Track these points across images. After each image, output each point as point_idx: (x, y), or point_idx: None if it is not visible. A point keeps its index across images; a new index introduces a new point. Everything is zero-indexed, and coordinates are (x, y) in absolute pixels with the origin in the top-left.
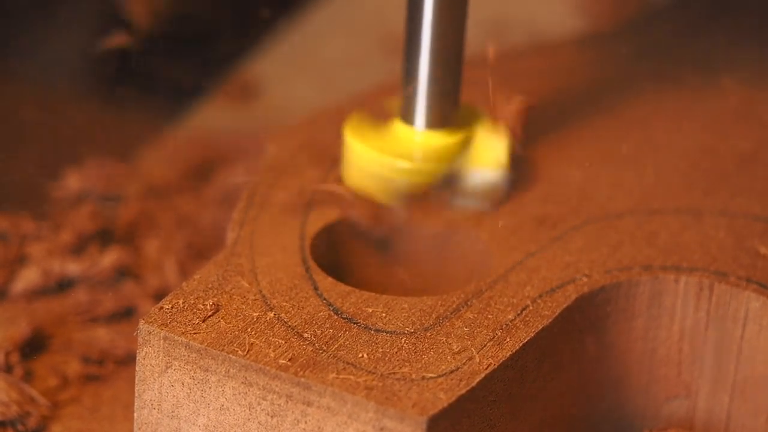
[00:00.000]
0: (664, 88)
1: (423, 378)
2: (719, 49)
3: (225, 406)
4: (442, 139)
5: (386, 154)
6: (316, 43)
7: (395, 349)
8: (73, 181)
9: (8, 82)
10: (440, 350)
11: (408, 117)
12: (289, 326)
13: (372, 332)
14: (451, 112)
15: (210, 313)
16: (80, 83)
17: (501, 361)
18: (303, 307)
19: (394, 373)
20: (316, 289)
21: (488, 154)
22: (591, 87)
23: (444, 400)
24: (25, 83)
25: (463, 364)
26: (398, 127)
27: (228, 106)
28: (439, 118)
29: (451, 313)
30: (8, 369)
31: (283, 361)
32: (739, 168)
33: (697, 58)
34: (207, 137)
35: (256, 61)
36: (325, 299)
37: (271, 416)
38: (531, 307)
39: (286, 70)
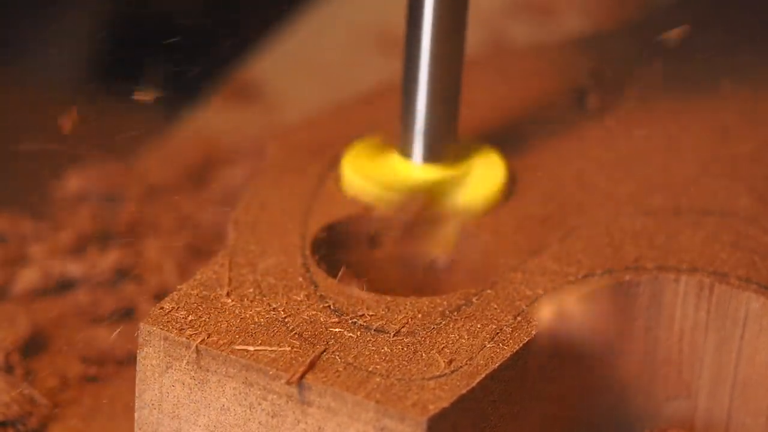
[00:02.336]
0: (664, 88)
1: (423, 378)
2: (719, 49)
3: (225, 406)
4: (439, 173)
5: (383, 188)
6: (316, 43)
7: (396, 349)
8: (73, 182)
9: (8, 83)
10: (441, 350)
11: (406, 151)
12: (290, 326)
13: (372, 332)
14: (449, 145)
15: (210, 314)
16: (80, 83)
17: (501, 361)
18: (304, 308)
19: (394, 373)
20: (316, 289)
21: (483, 186)
22: (590, 87)
23: (444, 400)
24: (26, 84)
25: (464, 364)
26: (396, 160)
27: (228, 106)
28: (437, 152)
29: (452, 314)
30: (8, 369)
31: (284, 362)
32: (739, 168)
33: (697, 57)
34: (207, 137)
35: (256, 61)
36: (325, 299)
37: (272, 416)
38: (531, 308)
39: (286, 70)
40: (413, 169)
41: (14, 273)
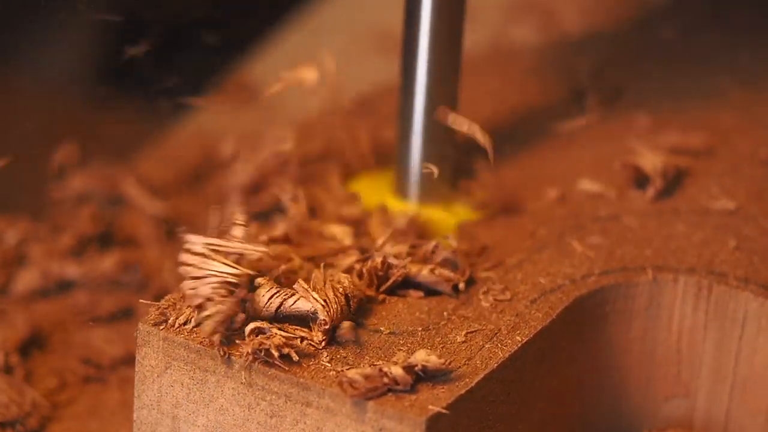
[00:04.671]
0: (663, 88)
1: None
2: (718, 48)
3: (224, 407)
4: (434, 216)
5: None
6: (316, 43)
7: (394, 350)
8: (74, 183)
9: (9, 84)
10: (439, 351)
11: (402, 193)
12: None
13: (371, 333)
14: (444, 188)
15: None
16: (81, 85)
17: (500, 361)
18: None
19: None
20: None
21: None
22: (589, 87)
23: (443, 400)
24: (26, 85)
25: (463, 364)
26: (392, 202)
27: (228, 106)
28: (433, 195)
29: (450, 314)
30: (8, 370)
31: (283, 362)
32: (739, 168)
33: (696, 57)
34: (207, 137)
35: (255, 61)
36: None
37: (270, 416)
38: (530, 308)
39: (286, 70)
40: (409, 210)
41: (13, 274)
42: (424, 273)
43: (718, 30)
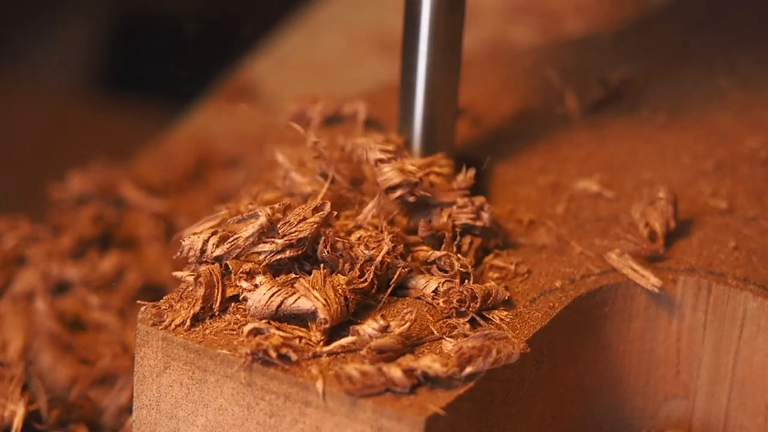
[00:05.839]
0: (663, 89)
1: None
2: (717, 49)
3: (223, 407)
4: None
5: None
6: (314, 45)
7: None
8: (75, 184)
9: (9, 86)
10: (438, 351)
11: None
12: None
13: (370, 332)
14: None
15: (208, 313)
16: (80, 87)
17: None
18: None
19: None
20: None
21: None
22: (589, 87)
23: (442, 400)
24: (26, 87)
25: None
26: None
27: (227, 107)
28: None
29: (450, 315)
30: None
31: (281, 362)
32: (738, 168)
33: (696, 58)
34: (206, 138)
35: (255, 61)
36: None
37: (270, 416)
38: (529, 308)
39: (285, 70)
40: None
41: (12, 275)
42: (427, 294)
43: (718, 30)
